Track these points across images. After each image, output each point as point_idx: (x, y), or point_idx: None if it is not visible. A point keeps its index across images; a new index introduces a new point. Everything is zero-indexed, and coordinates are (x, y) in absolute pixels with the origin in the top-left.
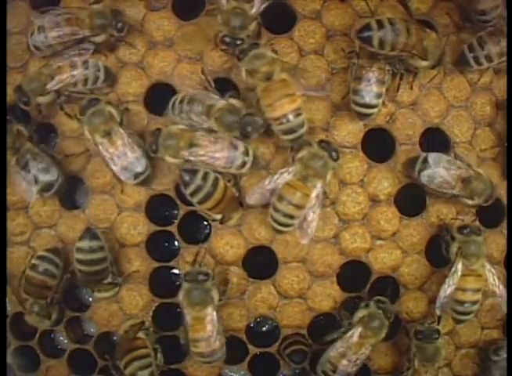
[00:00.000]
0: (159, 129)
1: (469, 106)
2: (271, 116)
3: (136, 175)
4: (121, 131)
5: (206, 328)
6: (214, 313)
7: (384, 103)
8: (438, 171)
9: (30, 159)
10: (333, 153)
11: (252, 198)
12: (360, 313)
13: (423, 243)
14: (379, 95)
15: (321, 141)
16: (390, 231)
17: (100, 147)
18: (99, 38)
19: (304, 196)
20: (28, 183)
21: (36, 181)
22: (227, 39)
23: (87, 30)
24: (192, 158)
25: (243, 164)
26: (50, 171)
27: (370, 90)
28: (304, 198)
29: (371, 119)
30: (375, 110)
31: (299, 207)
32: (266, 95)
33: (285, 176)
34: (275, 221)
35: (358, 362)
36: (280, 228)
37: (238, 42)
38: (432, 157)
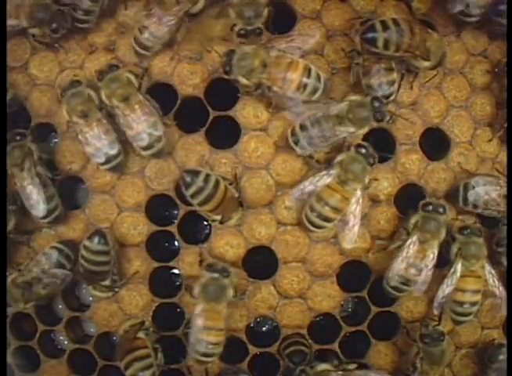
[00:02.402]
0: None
1: (469, 106)
2: (291, 90)
3: (108, 159)
4: (99, 114)
5: (219, 319)
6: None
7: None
8: (484, 189)
9: (32, 186)
10: (371, 159)
11: (295, 196)
12: (413, 220)
13: None
14: (392, 83)
15: (358, 145)
16: (390, 231)
17: (76, 128)
18: (197, 7)
19: (343, 199)
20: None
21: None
22: (244, 32)
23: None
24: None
25: None
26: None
27: (382, 82)
28: (342, 201)
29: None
30: (390, 99)
31: (337, 210)
32: (274, 80)
33: (325, 179)
34: (310, 222)
35: (429, 267)
36: (313, 229)
37: (257, 31)
38: (475, 179)
